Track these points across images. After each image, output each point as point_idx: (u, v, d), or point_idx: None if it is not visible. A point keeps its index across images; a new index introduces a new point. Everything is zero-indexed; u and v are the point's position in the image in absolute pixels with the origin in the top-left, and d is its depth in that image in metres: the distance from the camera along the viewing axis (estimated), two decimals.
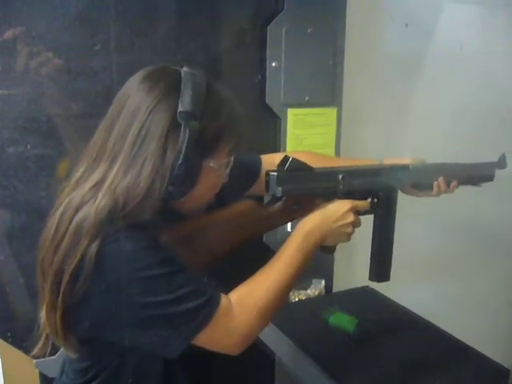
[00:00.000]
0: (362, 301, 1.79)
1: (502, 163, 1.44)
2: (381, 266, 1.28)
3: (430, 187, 1.34)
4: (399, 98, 2.02)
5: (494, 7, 2.18)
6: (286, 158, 1.09)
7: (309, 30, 1.75)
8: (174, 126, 0.94)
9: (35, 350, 1.04)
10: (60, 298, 0.93)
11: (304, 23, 1.74)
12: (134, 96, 0.96)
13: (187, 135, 0.93)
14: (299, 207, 1.14)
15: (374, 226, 1.28)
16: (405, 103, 2.04)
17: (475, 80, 2.10)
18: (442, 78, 2.06)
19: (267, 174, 1.10)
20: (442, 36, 2.08)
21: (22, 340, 1.47)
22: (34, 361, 1.47)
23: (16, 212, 1.43)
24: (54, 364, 1.41)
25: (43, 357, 1.19)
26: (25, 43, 1.35)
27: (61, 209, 0.96)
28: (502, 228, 2.21)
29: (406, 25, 2.00)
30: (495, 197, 2.20)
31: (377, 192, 1.24)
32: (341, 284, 1.96)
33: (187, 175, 0.95)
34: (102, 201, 0.92)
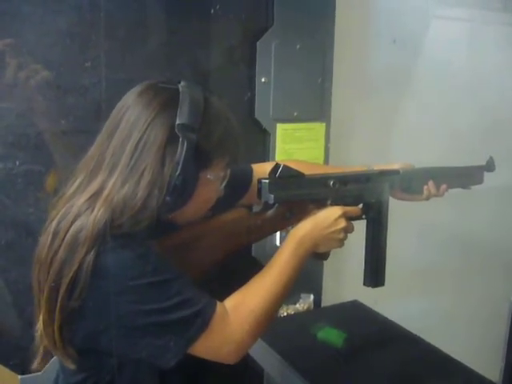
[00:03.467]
0: (351, 315, 1.79)
1: (490, 166, 1.46)
2: (375, 271, 1.28)
3: (420, 191, 1.35)
4: (387, 113, 2.04)
5: (482, 24, 2.22)
6: (277, 166, 1.10)
7: (298, 46, 1.76)
8: (172, 139, 0.95)
9: (34, 364, 1.02)
10: (57, 308, 0.93)
11: (293, 39, 1.75)
12: (133, 109, 0.98)
13: (185, 147, 0.95)
14: (291, 214, 1.15)
15: (366, 232, 1.29)
16: (393, 118, 2.06)
17: (462, 95, 2.13)
18: (429, 93, 2.09)
19: (259, 181, 1.10)
20: (430, 52, 2.11)
21: (9, 358, 1.46)
22: (19, 377, 1.46)
23: (3, 228, 1.42)
24: (39, 380, 1.39)
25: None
26: (14, 57, 1.35)
27: (56, 220, 0.96)
28: (490, 242, 2.23)
29: (394, 41, 2.03)
30: (483, 210, 2.23)
31: (368, 197, 1.25)
32: (330, 298, 1.97)
33: (185, 186, 0.96)
34: (99, 211, 0.93)
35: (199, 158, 0.98)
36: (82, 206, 0.95)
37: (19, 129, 1.39)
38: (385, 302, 1.76)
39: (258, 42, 1.70)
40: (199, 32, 1.62)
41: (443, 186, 1.37)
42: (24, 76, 1.36)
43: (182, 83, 1.02)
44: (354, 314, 1.80)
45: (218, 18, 1.63)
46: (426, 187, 1.35)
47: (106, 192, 0.95)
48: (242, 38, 1.69)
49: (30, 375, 1.43)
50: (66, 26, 1.39)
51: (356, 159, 1.89)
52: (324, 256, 1.18)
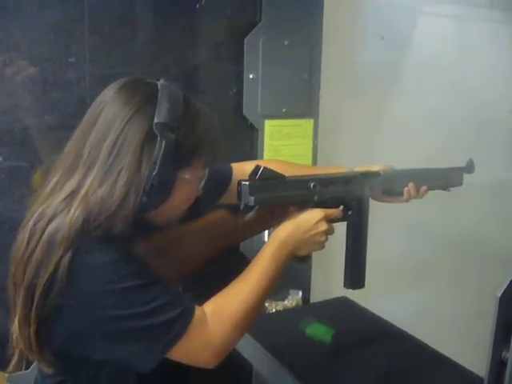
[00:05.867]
0: (339, 311, 1.79)
1: (469, 168, 1.46)
2: (355, 273, 1.28)
3: (401, 193, 1.34)
4: (375, 110, 2.04)
5: (468, 20, 2.23)
6: (257, 167, 1.08)
7: (286, 42, 1.76)
8: (150, 137, 0.93)
9: (10, 366, 1.01)
10: (33, 311, 0.91)
11: (281, 35, 1.75)
12: (111, 106, 0.96)
13: (163, 147, 0.93)
14: (272, 216, 1.14)
15: (347, 234, 1.27)
16: (380, 114, 2.06)
17: (449, 91, 2.14)
18: (416, 89, 2.09)
19: (239, 183, 1.08)
20: (417, 48, 2.12)
21: None
22: (6, 375, 1.44)
23: None
24: (26, 378, 1.38)
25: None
26: None
27: (33, 219, 0.94)
28: (479, 238, 2.24)
29: (382, 37, 2.03)
30: (472, 206, 2.24)
31: (349, 199, 1.24)
32: (318, 295, 1.97)
33: (162, 186, 0.95)
34: (75, 211, 0.91)
35: (177, 158, 0.96)
36: (59, 206, 0.93)
37: (4, 124, 1.38)
38: (373, 299, 1.76)
39: (245, 39, 1.70)
40: (186, 28, 1.61)
41: (423, 188, 1.35)
42: (9, 72, 1.35)
43: (161, 81, 1.00)
44: (342, 311, 1.80)
45: (206, 14, 1.63)
46: (406, 189, 1.33)
47: (82, 192, 0.93)
48: (230, 34, 1.69)
49: (17, 373, 1.42)
50: (50, 22, 1.38)
51: (344, 156, 1.90)
52: (304, 259, 1.16)
